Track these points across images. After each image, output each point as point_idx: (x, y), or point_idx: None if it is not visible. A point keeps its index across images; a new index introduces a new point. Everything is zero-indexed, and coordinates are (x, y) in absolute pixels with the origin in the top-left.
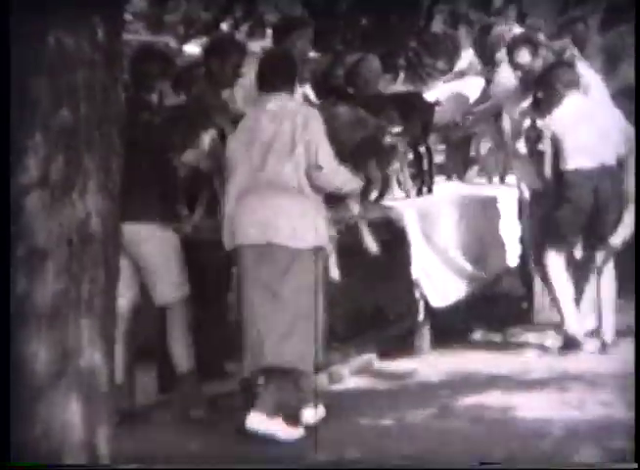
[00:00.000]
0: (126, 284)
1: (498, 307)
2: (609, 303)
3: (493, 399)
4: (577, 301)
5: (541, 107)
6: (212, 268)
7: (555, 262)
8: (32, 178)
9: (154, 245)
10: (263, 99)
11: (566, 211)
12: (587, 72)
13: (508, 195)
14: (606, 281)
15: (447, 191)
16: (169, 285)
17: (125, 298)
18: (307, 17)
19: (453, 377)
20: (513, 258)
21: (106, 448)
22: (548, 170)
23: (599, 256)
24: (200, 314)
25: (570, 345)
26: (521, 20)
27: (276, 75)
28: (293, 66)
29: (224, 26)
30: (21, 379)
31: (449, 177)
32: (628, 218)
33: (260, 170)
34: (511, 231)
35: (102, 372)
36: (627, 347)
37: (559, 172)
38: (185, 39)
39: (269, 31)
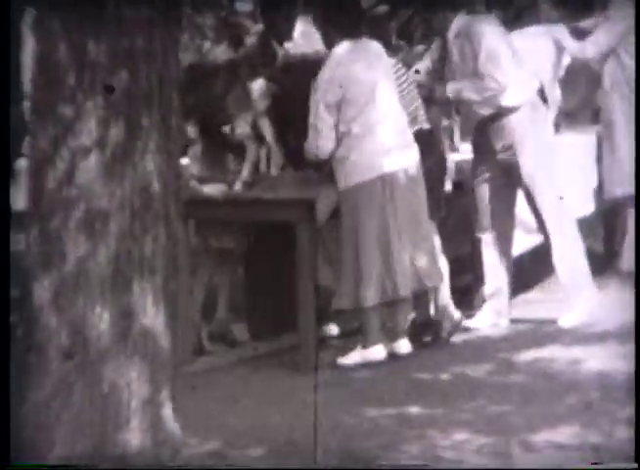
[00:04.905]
0: None
1: None
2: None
3: (554, 352)
4: None
5: None
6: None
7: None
8: (93, 140)
9: None
10: None
11: None
12: None
13: None
14: None
15: None
16: None
17: None
18: None
19: (513, 331)
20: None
21: (169, 408)
22: None
23: None
24: (270, 270)
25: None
26: None
27: None
28: None
29: None
30: (85, 340)
31: None
32: None
33: None
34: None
35: (165, 331)
36: None
37: None
38: None
39: None
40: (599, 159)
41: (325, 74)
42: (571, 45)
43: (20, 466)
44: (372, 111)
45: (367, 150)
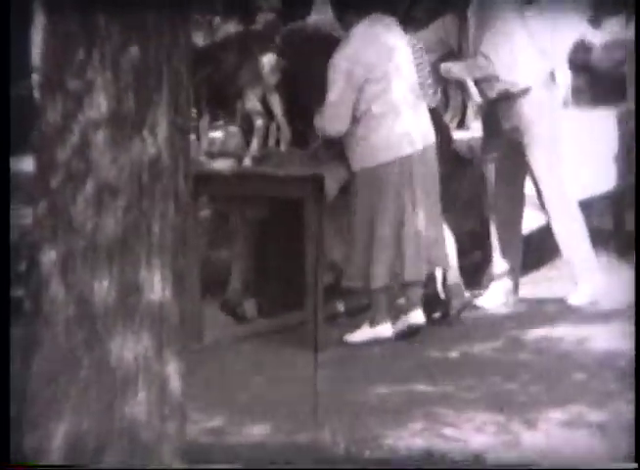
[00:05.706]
0: None
1: None
2: None
3: (562, 331)
4: None
5: None
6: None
7: None
8: (103, 115)
9: None
10: None
11: None
12: None
13: None
14: None
15: None
16: None
17: None
18: None
19: (522, 309)
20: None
21: (177, 381)
22: None
23: None
24: (281, 246)
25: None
26: None
27: None
28: None
29: None
30: (92, 314)
31: None
32: None
33: None
34: None
35: (173, 307)
36: None
37: None
38: None
39: None
40: (619, 136)
41: (347, 53)
42: (592, 34)
43: (19, 465)
44: (395, 89)
45: (387, 131)
